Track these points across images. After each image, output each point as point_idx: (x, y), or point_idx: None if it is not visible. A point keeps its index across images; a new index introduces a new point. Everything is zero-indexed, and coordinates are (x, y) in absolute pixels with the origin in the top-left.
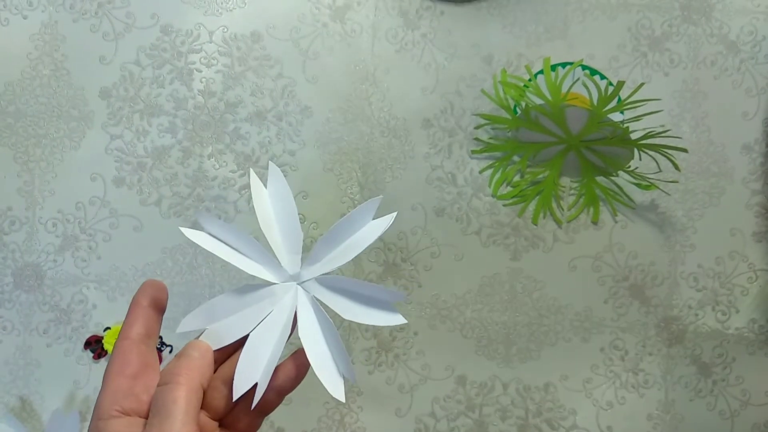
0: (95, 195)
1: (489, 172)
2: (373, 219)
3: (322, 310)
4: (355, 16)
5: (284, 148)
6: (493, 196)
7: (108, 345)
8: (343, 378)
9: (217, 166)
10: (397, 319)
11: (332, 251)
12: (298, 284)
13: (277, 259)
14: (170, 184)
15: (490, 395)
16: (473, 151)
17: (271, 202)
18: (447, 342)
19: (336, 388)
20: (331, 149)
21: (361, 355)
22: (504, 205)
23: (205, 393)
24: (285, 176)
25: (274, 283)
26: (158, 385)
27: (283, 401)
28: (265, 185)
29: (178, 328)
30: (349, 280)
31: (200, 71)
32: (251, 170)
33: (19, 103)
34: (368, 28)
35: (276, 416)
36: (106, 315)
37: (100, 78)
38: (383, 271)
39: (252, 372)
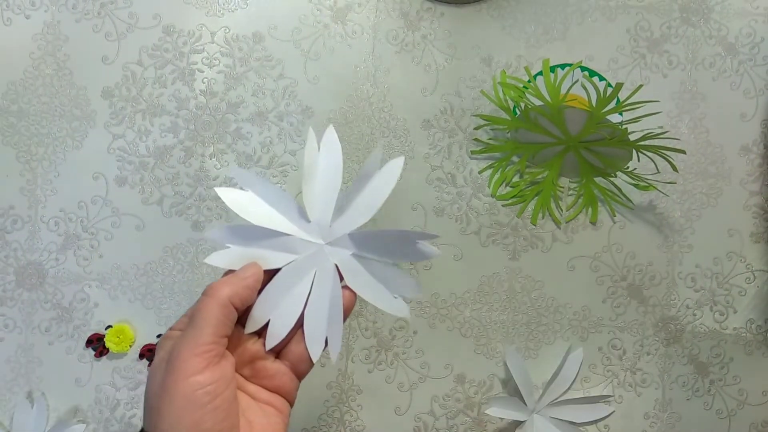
0: (97, 194)
1: (488, 172)
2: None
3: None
4: (356, 18)
5: (285, 148)
6: (492, 196)
7: (109, 343)
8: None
9: (219, 166)
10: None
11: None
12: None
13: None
14: (172, 184)
15: (489, 393)
16: (473, 152)
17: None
18: (446, 341)
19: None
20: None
21: (360, 353)
22: (503, 206)
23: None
24: (286, 176)
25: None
26: (202, 295)
27: None
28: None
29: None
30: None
31: (202, 71)
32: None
33: (21, 103)
34: (369, 29)
35: None
36: (108, 313)
37: (102, 78)
38: None
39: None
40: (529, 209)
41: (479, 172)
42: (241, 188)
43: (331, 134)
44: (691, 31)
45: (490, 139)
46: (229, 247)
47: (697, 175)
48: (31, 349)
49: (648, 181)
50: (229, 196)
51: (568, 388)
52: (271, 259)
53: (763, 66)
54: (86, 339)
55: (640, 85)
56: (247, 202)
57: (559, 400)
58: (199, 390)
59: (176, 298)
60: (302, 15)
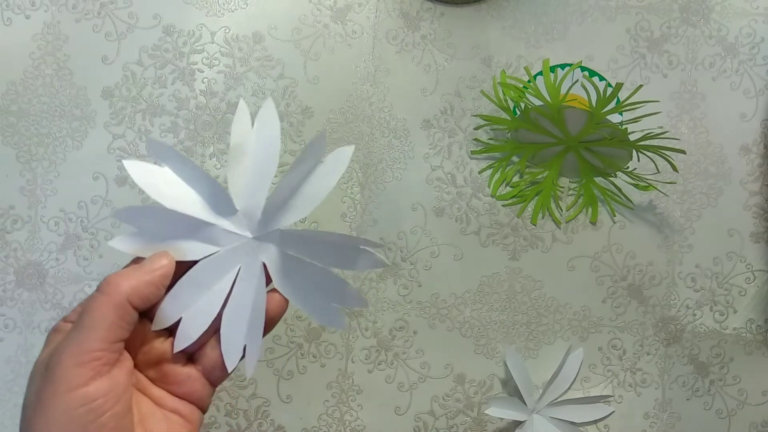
0: (97, 194)
1: (488, 172)
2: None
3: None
4: (356, 18)
5: (285, 149)
6: (492, 196)
7: None
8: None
9: (219, 166)
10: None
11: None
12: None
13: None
14: None
15: (488, 394)
16: (473, 152)
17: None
18: (446, 341)
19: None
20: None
21: (360, 353)
22: (503, 206)
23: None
24: (286, 177)
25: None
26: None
27: (284, 399)
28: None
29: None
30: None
31: (202, 71)
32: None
33: (21, 103)
34: (369, 29)
35: (276, 414)
36: None
37: (102, 78)
38: (383, 270)
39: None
40: (529, 209)
41: (479, 172)
42: (156, 163)
43: (268, 109)
44: (691, 31)
45: (490, 139)
46: (138, 231)
47: (697, 175)
48: (31, 349)
49: (648, 181)
50: (138, 171)
51: (568, 388)
52: (187, 249)
53: (763, 66)
54: None
55: (640, 85)
56: (161, 181)
57: (559, 400)
58: (82, 407)
59: None
60: (302, 15)
